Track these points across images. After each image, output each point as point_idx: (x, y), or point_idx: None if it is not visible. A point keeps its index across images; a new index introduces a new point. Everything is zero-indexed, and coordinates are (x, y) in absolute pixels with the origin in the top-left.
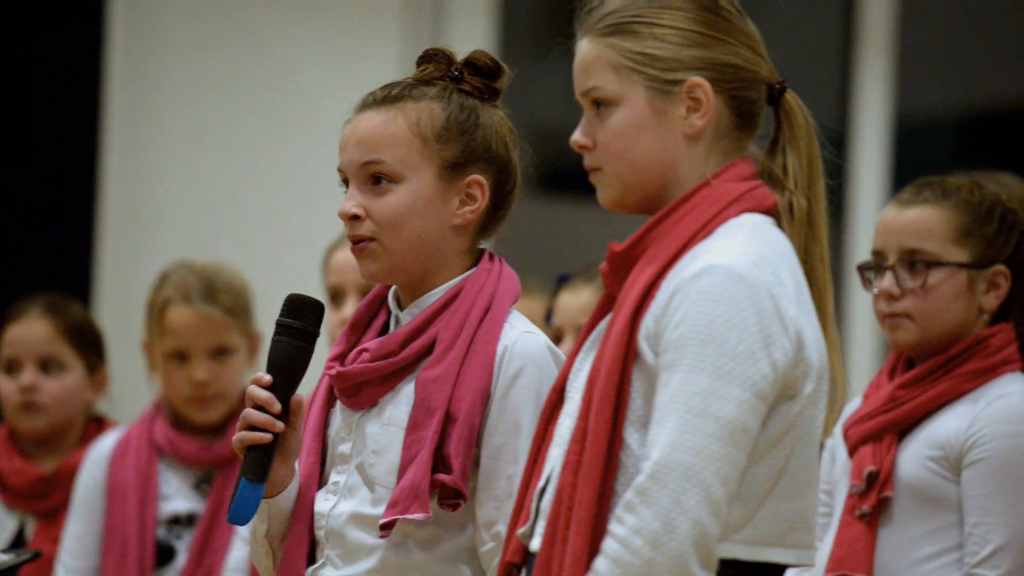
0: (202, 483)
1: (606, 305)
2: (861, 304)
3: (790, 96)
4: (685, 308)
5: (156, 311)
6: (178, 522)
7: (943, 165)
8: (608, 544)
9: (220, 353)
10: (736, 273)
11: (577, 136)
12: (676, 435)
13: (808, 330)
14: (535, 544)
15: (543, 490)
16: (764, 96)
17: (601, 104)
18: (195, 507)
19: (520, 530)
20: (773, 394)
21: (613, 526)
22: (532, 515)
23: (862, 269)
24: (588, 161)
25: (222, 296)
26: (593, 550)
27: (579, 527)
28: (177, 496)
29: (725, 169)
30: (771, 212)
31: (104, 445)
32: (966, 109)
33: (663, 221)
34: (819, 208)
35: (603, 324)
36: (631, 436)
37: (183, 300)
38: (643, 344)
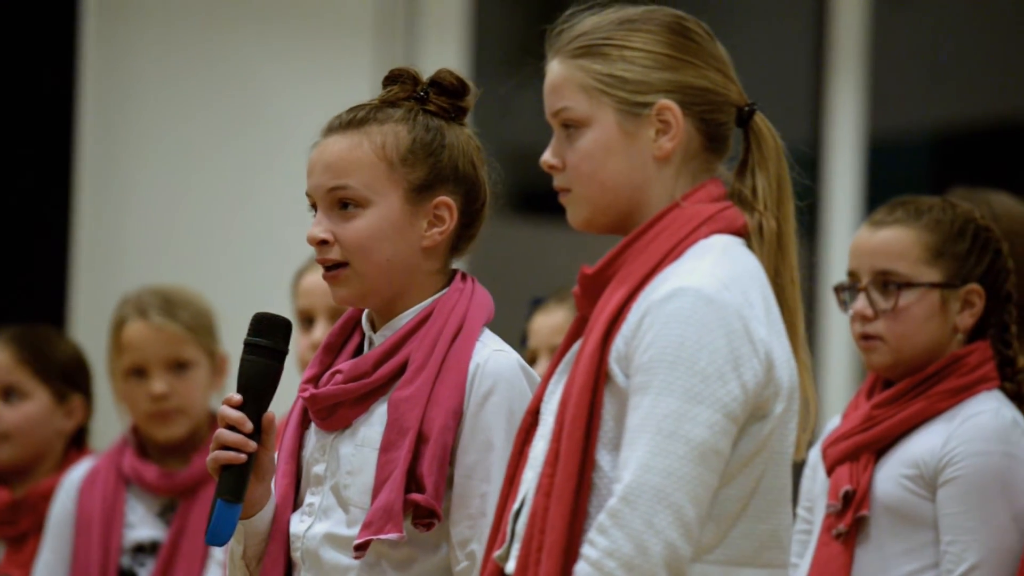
0: (166, 511)
1: (579, 328)
2: (836, 324)
3: (759, 118)
4: (655, 331)
5: (114, 331)
6: (142, 550)
7: (916, 185)
8: (580, 567)
9: (179, 367)
10: (705, 295)
11: (547, 157)
12: (647, 457)
13: (778, 350)
14: (510, 567)
15: (518, 512)
16: (733, 118)
17: (571, 125)
18: (159, 535)
19: (496, 553)
20: (744, 415)
21: (585, 549)
22: (508, 537)
23: (838, 290)
24: (558, 182)
25: (179, 311)
26: (565, 572)
27: (551, 549)
28: (142, 524)
29: (694, 190)
30: (741, 233)
31: (75, 475)
32: (938, 129)
33: (634, 243)
34: (789, 229)
35: (576, 347)
36: (603, 458)
37: (139, 315)
38: (614, 366)
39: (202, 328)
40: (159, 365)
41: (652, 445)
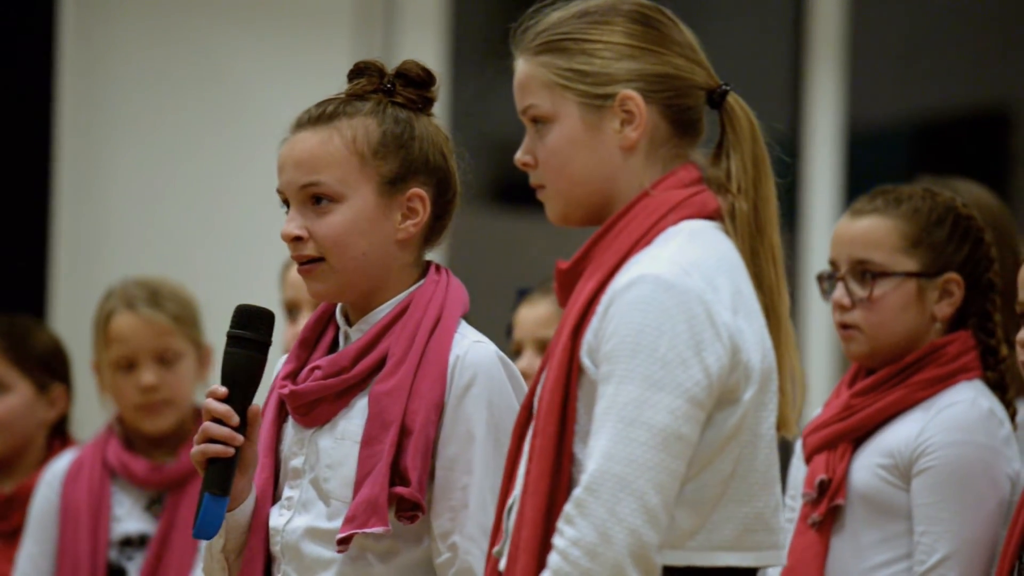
0: (153, 504)
1: None
2: (817, 312)
3: (733, 99)
4: (617, 320)
5: (101, 324)
6: (130, 543)
7: (895, 173)
8: (551, 557)
9: (167, 359)
10: (665, 281)
11: (520, 155)
12: (610, 446)
13: (747, 334)
14: (503, 564)
15: (512, 508)
16: (702, 102)
17: (539, 122)
18: (146, 528)
19: (495, 549)
20: (709, 400)
21: (555, 539)
22: (505, 534)
23: (820, 279)
24: (533, 179)
25: (166, 303)
26: (541, 567)
27: (527, 545)
28: (129, 517)
29: (664, 178)
30: (714, 216)
31: (58, 467)
32: (918, 117)
33: (605, 235)
34: (767, 209)
35: None
36: (581, 452)
37: (127, 307)
38: (585, 359)
39: (188, 319)
40: (148, 357)
41: (614, 433)
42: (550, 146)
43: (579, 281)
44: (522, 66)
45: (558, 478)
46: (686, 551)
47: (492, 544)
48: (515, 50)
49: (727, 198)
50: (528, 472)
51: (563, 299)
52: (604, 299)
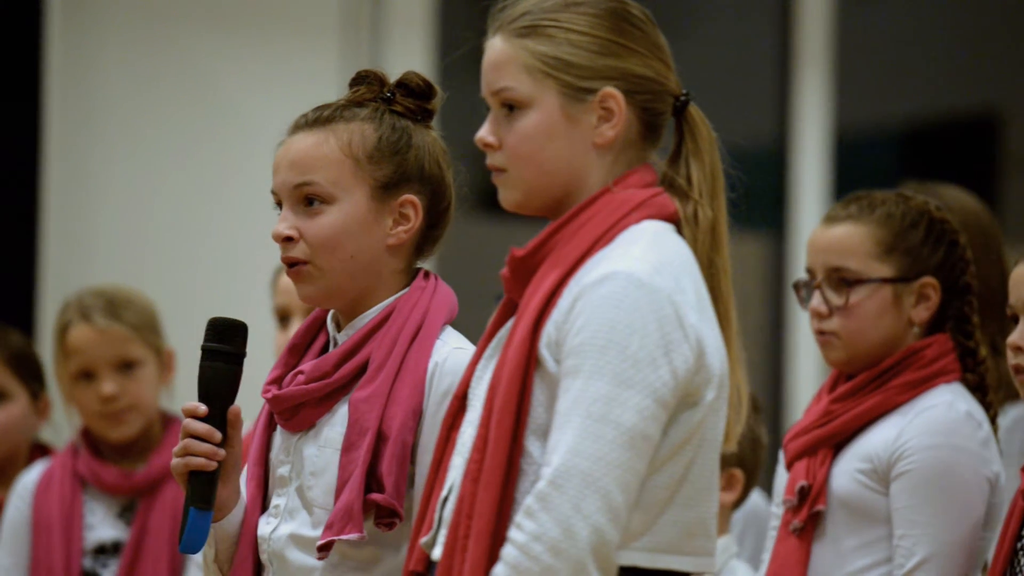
0: (125, 511)
1: (506, 311)
2: (806, 320)
3: (693, 109)
4: (587, 314)
5: (58, 336)
6: (104, 551)
7: (883, 178)
8: (507, 550)
9: (127, 366)
10: (637, 279)
11: (483, 134)
12: (577, 441)
13: (709, 337)
14: (437, 553)
15: (446, 499)
16: (670, 108)
17: (511, 106)
18: (120, 535)
19: (423, 539)
20: (674, 401)
21: (512, 532)
22: (435, 524)
23: (797, 287)
24: (492, 160)
25: (123, 311)
26: (492, 558)
27: (478, 536)
28: (102, 525)
29: (626, 176)
30: (672, 219)
31: (29, 478)
32: (907, 121)
33: (565, 227)
34: (722, 220)
35: (504, 330)
36: (532, 444)
37: (82, 318)
38: (544, 352)
39: (147, 326)
40: (107, 367)
41: (582, 429)
42: (523, 132)
43: (536, 272)
44: (499, 46)
45: (510, 470)
46: (631, 551)
47: (418, 534)
48: (491, 28)
49: (687, 204)
50: (476, 461)
51: (514, 288)
52: (568, 293)
